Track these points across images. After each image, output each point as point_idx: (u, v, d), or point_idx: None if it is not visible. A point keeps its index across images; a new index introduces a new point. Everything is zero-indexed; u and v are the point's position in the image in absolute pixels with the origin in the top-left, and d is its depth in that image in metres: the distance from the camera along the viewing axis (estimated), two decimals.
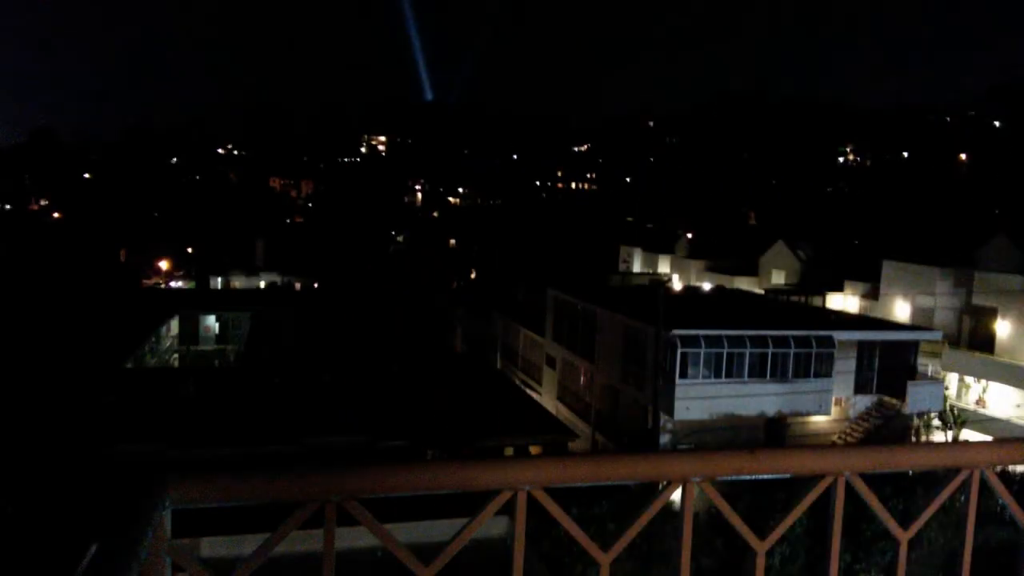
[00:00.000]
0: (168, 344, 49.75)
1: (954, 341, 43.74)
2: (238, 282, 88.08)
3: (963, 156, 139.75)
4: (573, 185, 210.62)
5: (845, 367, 35.92)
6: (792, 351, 34.19)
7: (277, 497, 1.93)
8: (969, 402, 42.04)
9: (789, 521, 2.29)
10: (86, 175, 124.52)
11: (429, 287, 73.03)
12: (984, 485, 2.45)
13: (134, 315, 46.20)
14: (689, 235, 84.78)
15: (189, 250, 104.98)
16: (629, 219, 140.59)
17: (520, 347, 51.75)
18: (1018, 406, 39.75)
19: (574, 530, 2.14)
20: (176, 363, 49.98)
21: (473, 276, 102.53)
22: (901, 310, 47.17)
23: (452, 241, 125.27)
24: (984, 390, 41.91)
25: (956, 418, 37.65)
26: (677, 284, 65.43)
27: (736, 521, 2.25)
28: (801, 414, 34.92)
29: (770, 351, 34.03)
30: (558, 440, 27.09)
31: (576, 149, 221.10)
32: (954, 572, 2.54)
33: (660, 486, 2.22)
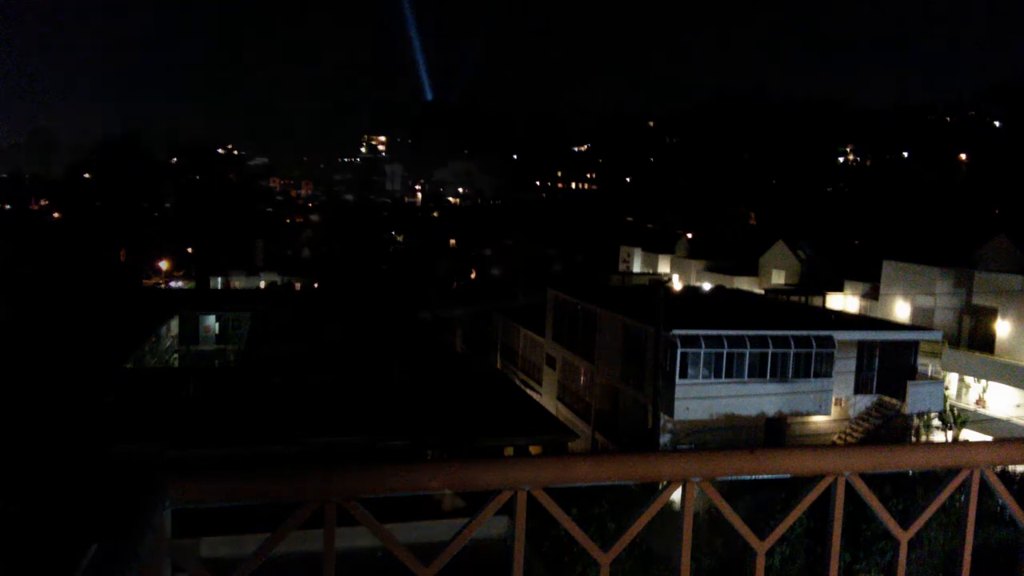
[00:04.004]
0: (168, 344, 49.70)
1: (954, 341, 43.74)
2: (238, 282, 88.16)
3: (963, 156, 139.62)
4: (573, 185, 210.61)
5: (845, 367, 35.92)
6: (792, 351, 34.19)
7: (277, 497, 1.93)
8: (969, 402, 42.04)
9: (789, 521, 2.29)
10: (86, 175, 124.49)
11: (428, 288, 73.00)
12: (984, 485, 2.45)
13: (134, 315, 46.19)
14: (689, 235, 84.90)
15: (189, 250, 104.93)
16: (629, 219, 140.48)
17: (520, 347, 51.75)
18: (1018, 406, 39.74)
19: (574, 530, 2.14)
20: (176, 363, 49.94)
21: (473, 276, 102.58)
22: (901, 310, 47.17)
23: (452, 241, 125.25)
24: (984, 390, 41.90)
25: (956, 418, 37.64)
26: (677, 284, 65.44)
27: (736, 521, 2.25)
28: (801, 414, 34.92)
29: (770, 351, 34.03)
30: (558, 440, 27.06)
31: (576, 149, 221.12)
32: (954, 572, 2.54)
33: (660, 486, 2.22)
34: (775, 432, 34.37)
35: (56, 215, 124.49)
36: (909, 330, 39.90)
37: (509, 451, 25.62)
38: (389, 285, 78.18)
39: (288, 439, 23.90)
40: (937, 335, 39.94)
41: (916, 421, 36.54)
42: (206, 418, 25.95)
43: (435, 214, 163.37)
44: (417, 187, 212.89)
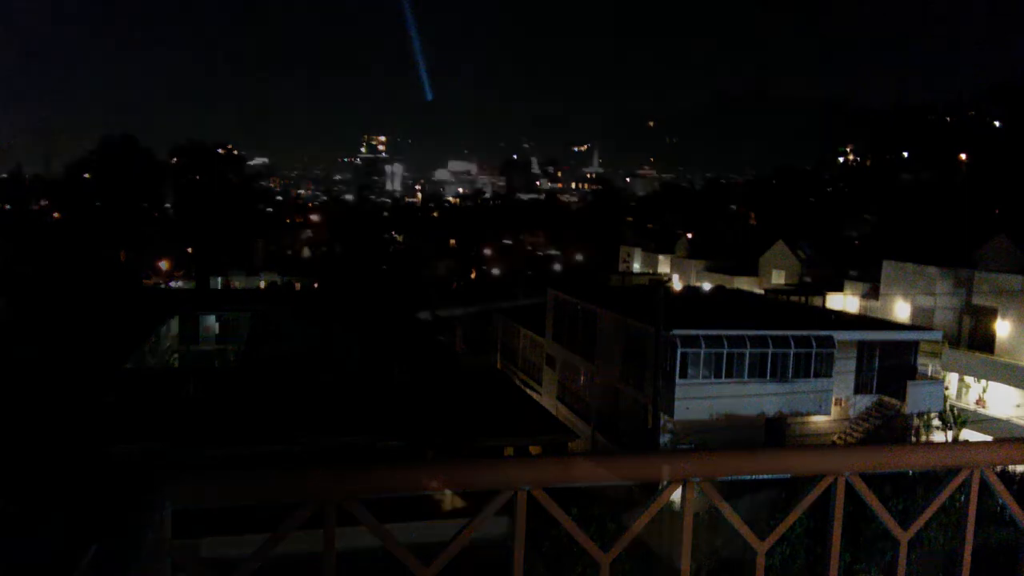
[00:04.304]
0: (168, 344, 49.69)
1: (954, 341, 43.72)
2: (238, 282, 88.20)
3: (963, 156, 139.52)
4: (573, 185, 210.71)
5: (845, 367, 35.91)
6: (792, 351, 34.18)
7: (277, 497, 1.93)
8: (969, 402, 42.03)
9: (789, 521, 2.29)
10: (86, 175, 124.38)
11: (428, 288, 72.99)
12: (984, 485, 2.45)
13: (134, 315, 46.17)
14: (689, 235, 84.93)
15: (189, 250, 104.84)
16: (629, 219, 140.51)
17: (520, 347, 51.74)
18: (1018, 406, 39.73)
19: (574, 530, 2.14)
20: (176, 363, 49.93)
21: (473, 276, 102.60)
22: (901, 310, 47.15)
23: (452, 241, 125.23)
24: (984, 390, 41.90)
25: (956, 418, 37.64)
26: (677, 284, 65.44)
27: (736, 521, 2.25)
28: (801, 414, 34.91)
29: (770, 351, 34.02)
30: (558, 440, 27.04)
31: (576, 149, 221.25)
32: (954, 572, 2.54)
33: (660, 486, 2.22)
34: (775, 432, 34.35)
35: (56, 215, 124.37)
36: (909, 330, 39.90)
37: (509, 451, 25.61)
38: (389, 285, 78.15)
39: (288, 439, 23.89)
40: (937, 335, 39.92)
41: (916, 421, 36.54)
42: (206, 418, 25.93)
43: (435, 214, 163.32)
44: (417, 187, 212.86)
